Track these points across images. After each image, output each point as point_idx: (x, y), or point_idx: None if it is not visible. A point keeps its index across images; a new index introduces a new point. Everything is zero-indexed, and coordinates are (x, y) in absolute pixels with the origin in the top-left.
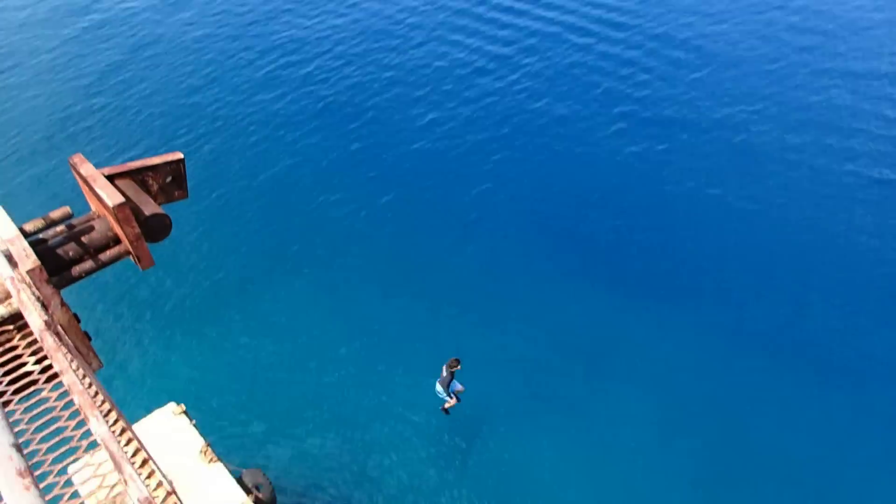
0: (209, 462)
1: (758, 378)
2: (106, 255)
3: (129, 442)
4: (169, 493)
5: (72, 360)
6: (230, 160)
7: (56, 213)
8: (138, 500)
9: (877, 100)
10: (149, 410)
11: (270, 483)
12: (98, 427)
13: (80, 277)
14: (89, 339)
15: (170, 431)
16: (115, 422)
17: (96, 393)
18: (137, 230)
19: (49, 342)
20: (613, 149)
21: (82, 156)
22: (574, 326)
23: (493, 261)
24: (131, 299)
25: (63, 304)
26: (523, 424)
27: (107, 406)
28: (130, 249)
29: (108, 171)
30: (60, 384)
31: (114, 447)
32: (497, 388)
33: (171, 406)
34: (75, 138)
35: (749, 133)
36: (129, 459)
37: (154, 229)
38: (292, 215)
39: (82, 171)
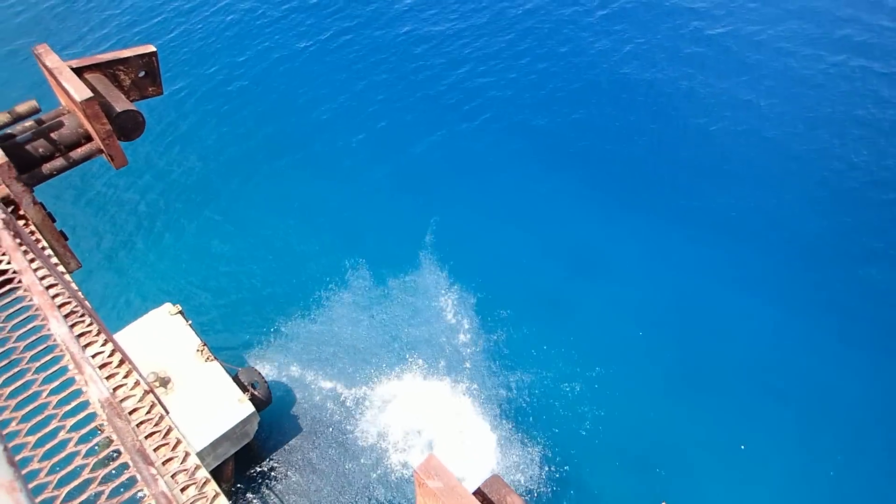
0: (205, 361)
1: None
2: (77, 153)
3: (105, 342)
4: (146, 392)
5: (33, 260)
6: (206, 58)
7: (22, 107)
8: (98, 400)
9: None
10: (146, 310)
11: (266, 381)
12: (58, 328)
13: (51, 176)
14: (65, 238)
15: (166, 331)
16: (84, 323)
17: (57, 294)
18: (108, 127)
19: (7, 241)
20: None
21: (48, 46)
22: (559, 228)
23: (478, 160)
24: (116, 201)
25: (35, 202)
26: (515, 316)
27: (71, 306)
28: (103, 147)
29: (75, 63)
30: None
31: (74, 348)
32: (488, 284)
33: (167, 306)
34: (42, 25)
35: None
36: (92, 361)
37: (126, 127)
38: (270, 115)
39: (48, 63)
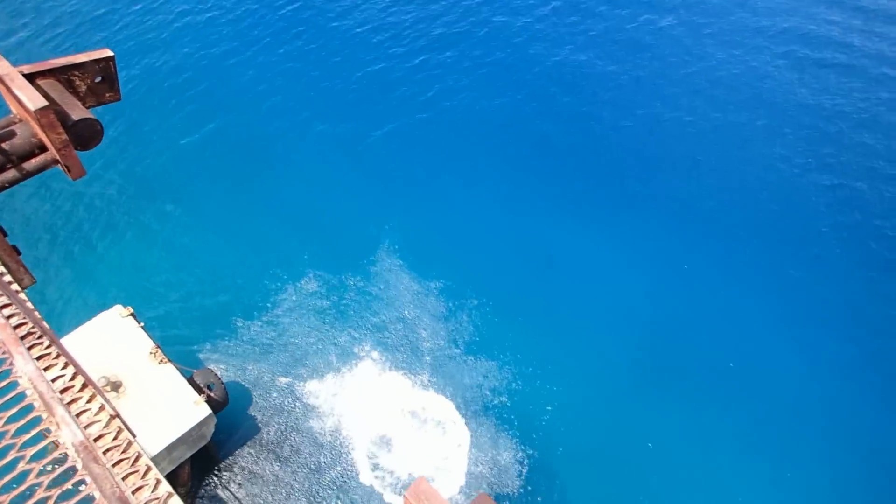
0: (159, 363)
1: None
2: (31, 164)
3: (65, 365)
4: (112, 417)
5: None
6: (155, 50)
7: None
8: (72, 444)
9: None
10: (97, 312)
11: (222, 382)
12: (24, 365)
13: (2, 189)
14: (18, 253)
15: (117, 334)
16: (43, 345)
17: (19, 324)
18: (64, 137)
19: None
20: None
21: None
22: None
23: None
24: (67, 203)
25: None
26: (477, 309)
27: (28, 327)
28: (58, 158)
29: (27, 68)
30: None
31: (42, 387)
32: (447, 276)
33: (118, 308)
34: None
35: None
36: (61, 398)
37: (84, 136)
38: (224, 108)
39: None
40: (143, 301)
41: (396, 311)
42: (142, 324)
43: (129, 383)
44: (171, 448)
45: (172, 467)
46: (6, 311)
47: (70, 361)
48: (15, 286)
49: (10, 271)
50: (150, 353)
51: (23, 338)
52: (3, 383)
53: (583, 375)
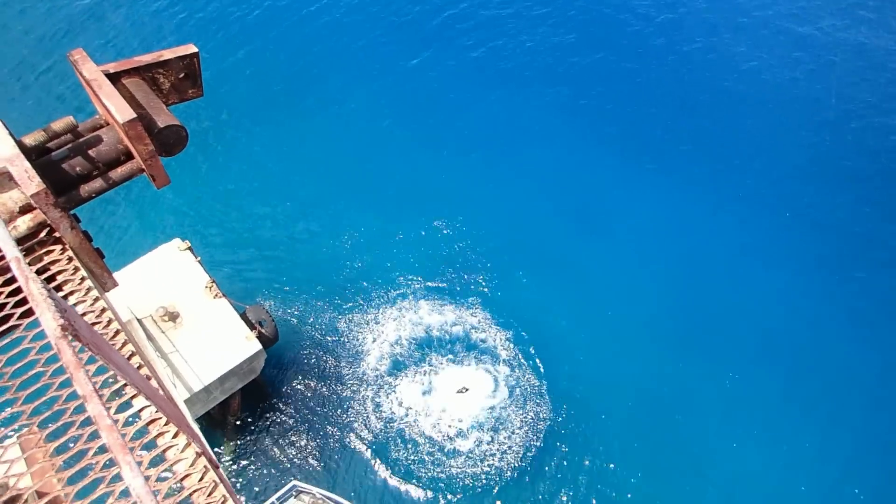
0: (214, 297)
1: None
2: (117, 174)
3: (196, 453)
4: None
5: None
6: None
7: (58, 125)
8: None
9: None
10: (155, 245)
11: (273, 319)
12: (132, 478)
13: (89, 198)
14: (102, 256)
15: (175, 266)
16: (160, 422)
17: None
18: (151, 147)
19: (67, 355)
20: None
21: (83, 52)
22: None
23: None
24: None
25: (73, 226)
26: (522, 271)
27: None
28: (144, 167)
29: (113, 66)
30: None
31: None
32: (490, 230)
33: (177, 242)
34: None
35: None
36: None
37: (168, 143)
38: (280, 61)
39: (85, 73)
40: (199, 236)
41: (443, 259)
42: (198, 258)
43: (186, 315)
44: (223, 379)
45: (224, 397)
46: (127, 391)
47: (192, 438)
48: (108, 314)
49: (94, 276)
50: (206, 286)
51: (149, 423)
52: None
53: (621, 336)
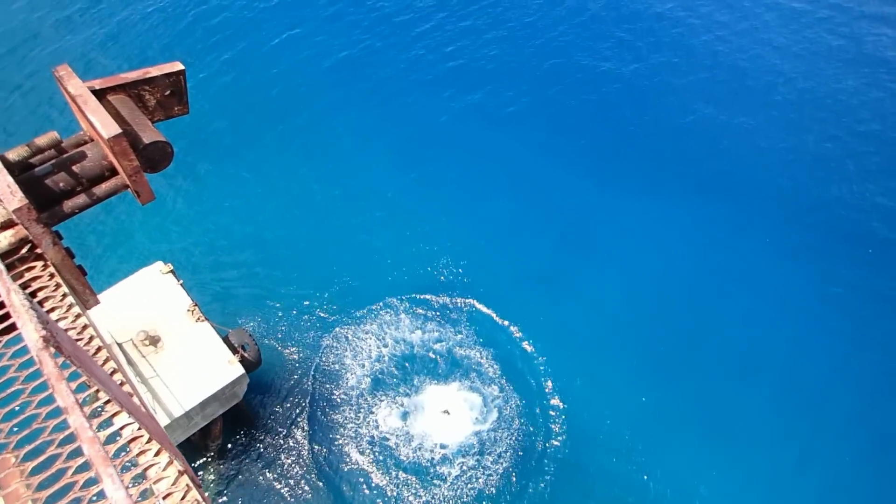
0: (196, 321)
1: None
2: (101, 189)
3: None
4: (186, 480)
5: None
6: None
7: (42, 140)
8: None
9: None
10: (137, 268)
11: (256, 343)
12: (113, 490)
13: (72, 214)
14: (84, 273)
15: (157, 290)
16: (143, 440)
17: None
18: (136, 163)
19: (49, 366)
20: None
21: (69, 68)
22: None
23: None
24: None
25: (55, 242)
26: (506, 289)
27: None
28: (129, 183)
29: (99, 83)
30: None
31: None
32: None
33: (159, 265)
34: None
35: None
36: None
37: (154, 159)
38: (266, 82)
39: (70, 89)
40: (180, 260)
41: (426, 278)
42: (181, 281)
43: (167, 339)
44: (204, 404)
45: (205, 422)
46: (108, 408)
47: (164, 447)
48: (92, 335)
49: (75, 293)
50: (188, 310)
51: (131, 440)
52: None
53: (604, 356)
